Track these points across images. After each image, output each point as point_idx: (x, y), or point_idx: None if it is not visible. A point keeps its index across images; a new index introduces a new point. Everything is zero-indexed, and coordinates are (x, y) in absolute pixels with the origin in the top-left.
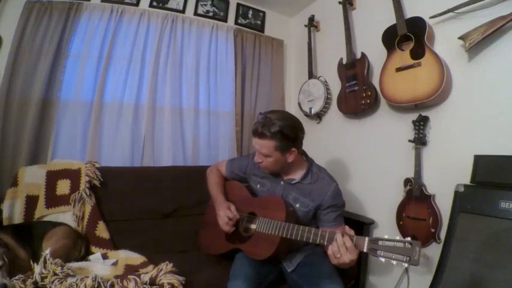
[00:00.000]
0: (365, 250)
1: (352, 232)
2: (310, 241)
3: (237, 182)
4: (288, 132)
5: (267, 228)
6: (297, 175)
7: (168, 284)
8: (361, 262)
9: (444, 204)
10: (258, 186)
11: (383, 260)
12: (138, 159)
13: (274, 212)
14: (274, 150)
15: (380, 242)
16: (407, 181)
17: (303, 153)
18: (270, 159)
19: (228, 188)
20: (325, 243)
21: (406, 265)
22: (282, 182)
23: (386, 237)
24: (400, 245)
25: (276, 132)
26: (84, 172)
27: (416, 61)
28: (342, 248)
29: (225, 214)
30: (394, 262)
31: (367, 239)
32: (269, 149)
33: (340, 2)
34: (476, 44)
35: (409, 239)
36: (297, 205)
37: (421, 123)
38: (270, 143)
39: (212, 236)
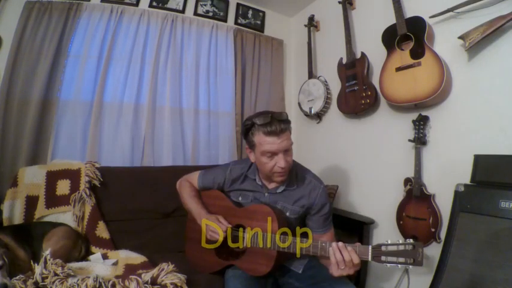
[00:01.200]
0: (369, 259)
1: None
2: (311, 254)
3: (217, 191)
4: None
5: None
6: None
7: (171, 284)
8: (361, 261)
9: (444, 204)
10: (240, 198)
11: (389, 265)
12: (138, 159)
13: (264, 224)
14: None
15: (383, 248)
16: (407, 181)
17: None
18: (291, 153)
19: (206, 198)
20: (326, 255)
21: (411, 267)
22: (266, 194)
23: (388, 242)
24: (402, 247)
25: (288, 120)
26: (84, 172)
27: (416, 61)
28: (348, 263)
29: (216, 223)
30: (399, 266)
31: (370, 247)
32: (290, 140)
33: (340, 2)
34: (476, 43)
35: (411, 240)
36: (287, 213)
37: (421, 123)
38: (289, 134)
39: (200, 253)
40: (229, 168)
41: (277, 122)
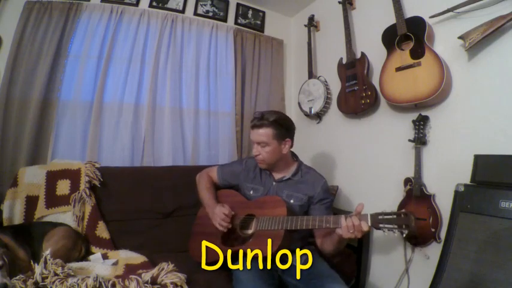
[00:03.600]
0: (369, 224)
1: (359, 206)
2: (316, 227)
3: (230, 190)
4: (283, 122)
5: (269, 225)
6: (288, 172)
7: (171, 283)
8: (362, 262)
9: (444, 204)
10: (252, 192)
11: (386, 231)
12: (138, 159)
13: (273, 210)
14: (272, 138)
15: (380, 217)
16: (407, 181)
17: (293, 155)
18: (268, 148)
19: (221, 197)
20: (332, 226)
21: (406, 232)
22: (273, 183)
23: (384, 211)
24: (397, 216)
25: (273, 121)
26: (84, 172)
27: (416, 61)
28: (351, 228)
29: (220, 210)
30: (396, 231)
31: (369, 215)
32: (268, 137)
33: (340, 2)
34: (476, 43)
35: (403, 210)
36: (291, 201)
37: (421, 123)
38: (269, 131)
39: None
40: (244, 161)
41: (258, 119)
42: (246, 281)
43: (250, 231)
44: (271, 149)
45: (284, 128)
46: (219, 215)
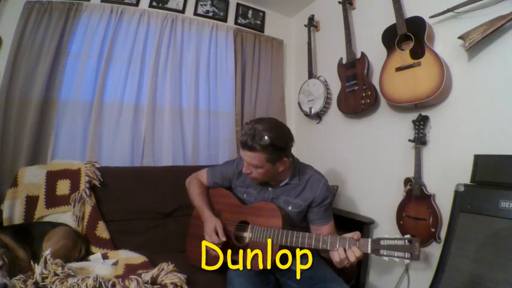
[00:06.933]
0: (369, 251)
1: (356, 235)
2: (312, 247)
3: (223, 189)
4: (279, 143)
5: (264, 237)
6: (285, 177)
7: (171, 283)
8: (362, 262)
9: (444, 204)
10: (245, 195)
11: (386, 258)
12: (138, 159)
13: (268, 220)
14: (266, 162)
15: (382, 242)
16: (407, 181)
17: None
18: (261, 170)
19: (214, 197)
20: (328, 248)
21: (408, 261)
22: (269, 188)
23: (387, 236)
24: (401, 242)
25: (267, 145)
26: (84, 172)
27: (416, 61)
28: (350, 256)
29: (211, 234)
30: (397, 260)
31: (369, 240)
32: (260, 161)
33: (340, 2)
34: (476, 43)
35: (408, 236)
36: (289, 207)
37: (421, 123)
38: (261, 156)
39: (201, 247)
40: (235, 162)
41: (250, 137)
42: (239, 285)
43: (245, 237)
44: (264, 171)
45: (279, 150)
46: (210, 237)
